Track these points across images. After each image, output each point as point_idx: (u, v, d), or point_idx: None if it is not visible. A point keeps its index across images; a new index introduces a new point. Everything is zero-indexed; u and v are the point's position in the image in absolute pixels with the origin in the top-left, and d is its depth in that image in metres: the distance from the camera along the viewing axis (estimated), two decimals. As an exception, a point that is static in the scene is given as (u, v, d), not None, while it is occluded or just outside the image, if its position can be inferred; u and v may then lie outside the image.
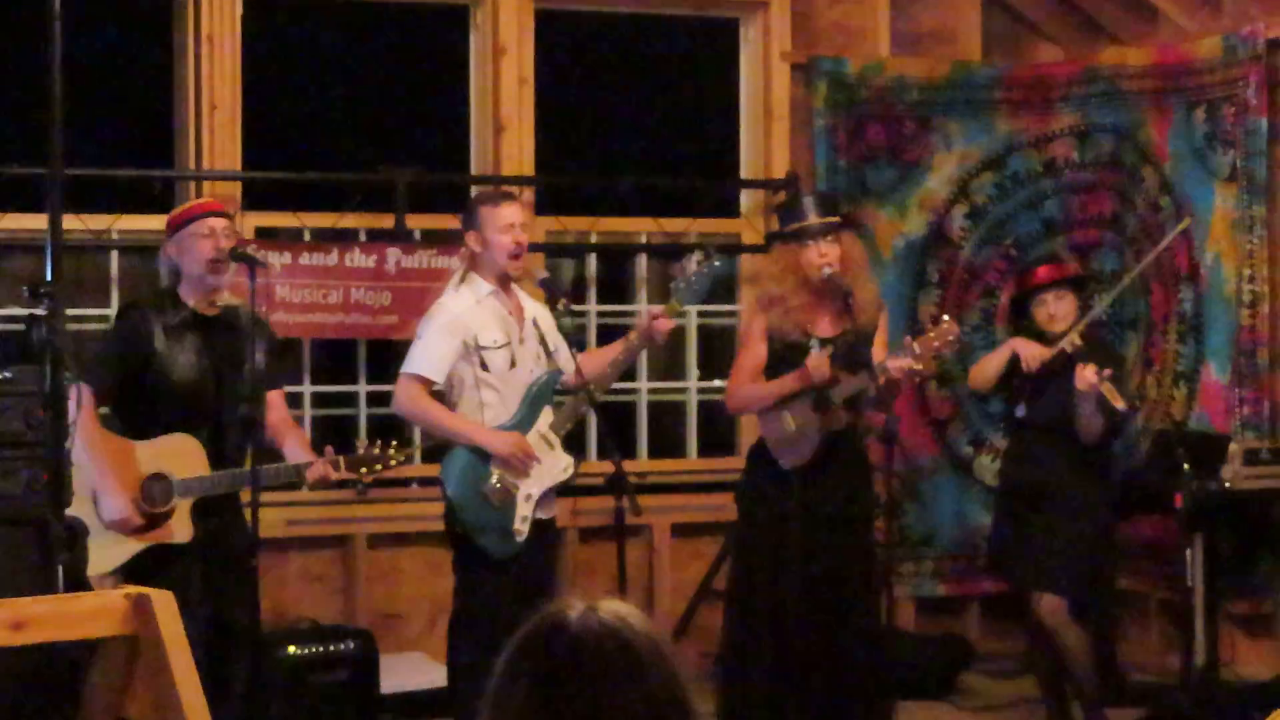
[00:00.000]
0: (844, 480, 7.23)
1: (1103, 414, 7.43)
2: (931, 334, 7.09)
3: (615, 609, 2.37)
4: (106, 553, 6.41)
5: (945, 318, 7.32)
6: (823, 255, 7.10)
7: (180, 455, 6.53)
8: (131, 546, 6.51)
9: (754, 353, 7.28)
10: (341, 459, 6.63)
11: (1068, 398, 7.46)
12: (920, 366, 7.07)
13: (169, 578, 6.26)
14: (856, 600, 7.19)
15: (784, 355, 7.19)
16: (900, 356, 6.98)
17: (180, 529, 6.52)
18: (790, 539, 7.07)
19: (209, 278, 6.59)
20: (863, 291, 7.20)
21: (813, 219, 7.16)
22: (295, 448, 6.73)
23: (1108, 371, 7.34)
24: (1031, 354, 7.60)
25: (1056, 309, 7.64)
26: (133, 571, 6.51)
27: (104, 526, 6.44)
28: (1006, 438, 8.17)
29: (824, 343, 7.16)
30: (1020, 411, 7.72)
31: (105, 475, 6.45)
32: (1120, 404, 7.39)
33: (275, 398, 6.84)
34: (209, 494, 6.52)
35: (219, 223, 6.62)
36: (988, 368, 7.82)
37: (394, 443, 6.82)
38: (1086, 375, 7.31)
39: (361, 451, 6.73)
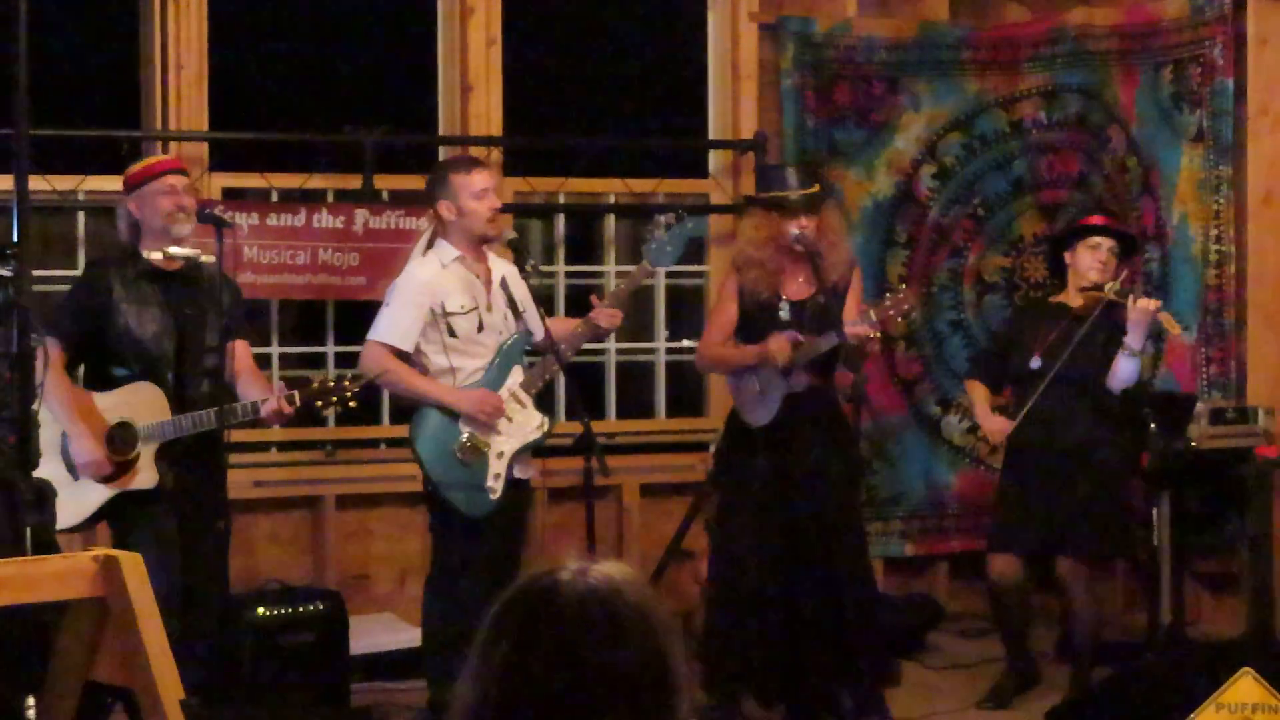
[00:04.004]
0: (816, 441, 7.28)
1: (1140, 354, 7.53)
2: (888, 302, 7.20)
3: (607, 572, 2.34)
4: (74, 503, 6.47)
5: (903, 286, 7.48)
6: (803, 226, 7.20)
7: (143, 403, 6.64)
8: (99, 495, 6.60)
9: (726, 312, 7.41)
10: (296, 393, 6.64)
11: (1087, 347, 7.52)
12: (876, 334, 7.16)
13: (138, 523, 6.49)
14: (836, 560, 7.27)
15: (755, 315, 7.32)
16: (858, 324, 7.10)
17: (145, 474, 6.61)
18: (758, 499, 7.17)
19: (171, 230, 6.71)
20: (834, 252, 7.30)
21: (794, 188, 7.26)
22: (253, 389, 6.76)
23: (1157, 302, 7.45)
24: (995, 430, 7.85)
25: (1109, 259, 7.71)
26: (110, 522, 6.68)
27: (77, 469, 6.54)
28: (1014, 393, 8.08)
29: (794, 306, 7.26)
30: (1035, 364, 7.71)
31: (74, 421, 6.55)
32: (1177, 330, 7.51)
33: (238, 347, 6.88)
34: (171, 438, 6.60)
35: (180, 180, 6.81)
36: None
37: (349, 374, 6.83)
38: (1145, 303, 7.44)
39: (316, 385, 6.72)
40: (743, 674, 7.29)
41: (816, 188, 7.38)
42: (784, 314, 7.29)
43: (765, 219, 7.32)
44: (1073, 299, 7.79)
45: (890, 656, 7.49)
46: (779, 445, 7.23)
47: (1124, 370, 7.58)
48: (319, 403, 6.70)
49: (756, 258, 7.28)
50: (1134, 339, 7.51)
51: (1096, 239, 7.74)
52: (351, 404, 6.77)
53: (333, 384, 6.71)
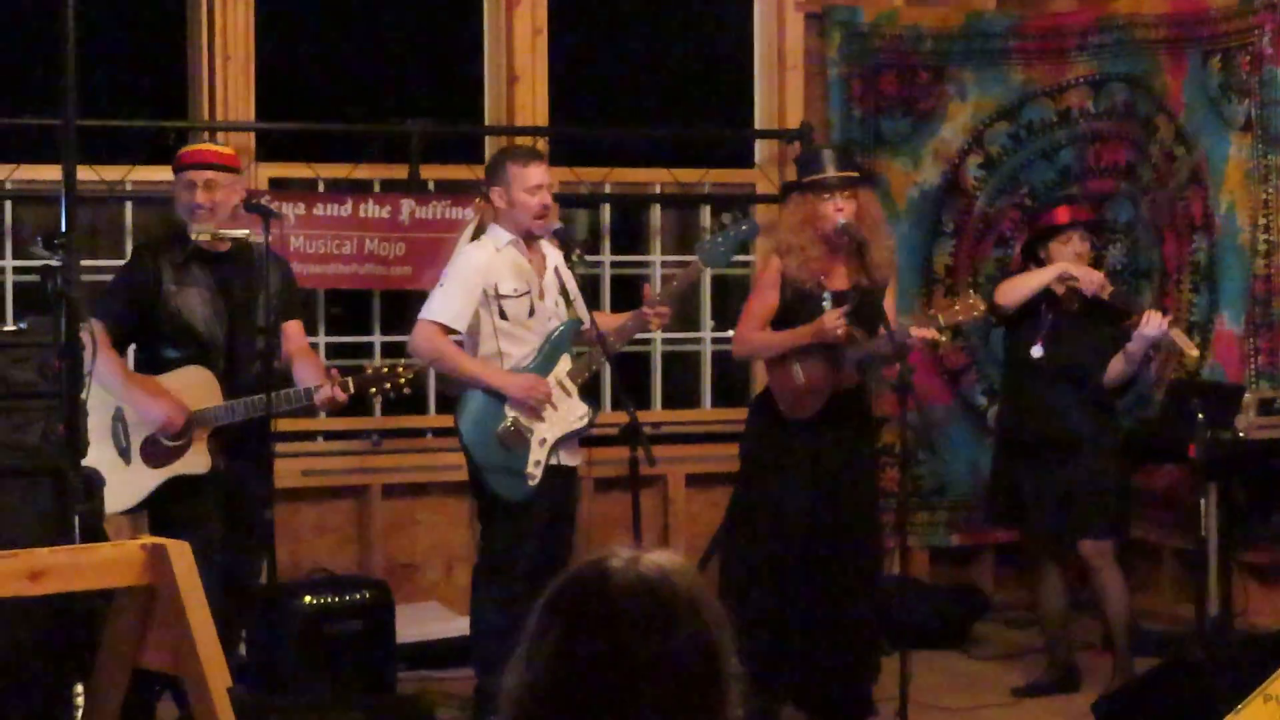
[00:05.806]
0: (848, 435, 7.29)
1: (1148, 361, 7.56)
2: (957, 307, 7.23)
3: (659, 562, 2.32)
4: (126, 488, 6.51)
5: (972, 292, 7.47)
6: (839, 209, 7.14)
7: (195, 387, 6.65)
8: (152, 480, 6.62)
9: (765, 299, 7.31)
10: (350, 379, 6.65)
11: (1088, 341, 7.53)
12: (944, 339, 7.27)
13: (190, 509, 6.51)
14: (858, 554, 7.25)
15: (795, 305, 7.23)
16: (925, 326, 7.11)
17: (197, 458, 6.62)
18: (792, 491, 7.12)
19: (191, 226, 6.70)
20: (878, 249, 7.25)
21: (830, 172, 7.21)
22: (307, 372, 6.76)
23: (1170, 316, 7.50)
24: (1092, 278, 7.69)
25: (1082, 248, 7.75)
26: (154, 504, 6.66)
27: (155, 428, 6.56)
28: (1007, 377, 8.15)
29: (836, 296, 7.20)
30: (1037, 352, 7.72)
31: (131, 387, 6.60)
32: (1194, 351, 7.58)
33: (291, 328, 6.90)
34: (224, 423, 6.60)
35: (201, 175, 6.70)
36: (1022, 286, 7.79)
37: (402, 361, 6.84)
38: (1157, 319, 7.44)
39: (370, 371, 6.74)
40: (783, 683, 7.20)
41: (855, 173, 7.36)
42: (827, 304, 7.21)
43: (802, 202, 7.26)
44: (1056, 286, 7.81)
45: (894, 651, 7.35)
46: (816, 439, 7.21)
47: (1115, 370, 7.66)
48: (372, 389, 6.72)
49: (795, 242, 7.20)
50: (1136, 346, 7.55)
51: (1066, 233, 7.81)
52: (405, 390, 6.80)
53: (386, 370, 6.72)
